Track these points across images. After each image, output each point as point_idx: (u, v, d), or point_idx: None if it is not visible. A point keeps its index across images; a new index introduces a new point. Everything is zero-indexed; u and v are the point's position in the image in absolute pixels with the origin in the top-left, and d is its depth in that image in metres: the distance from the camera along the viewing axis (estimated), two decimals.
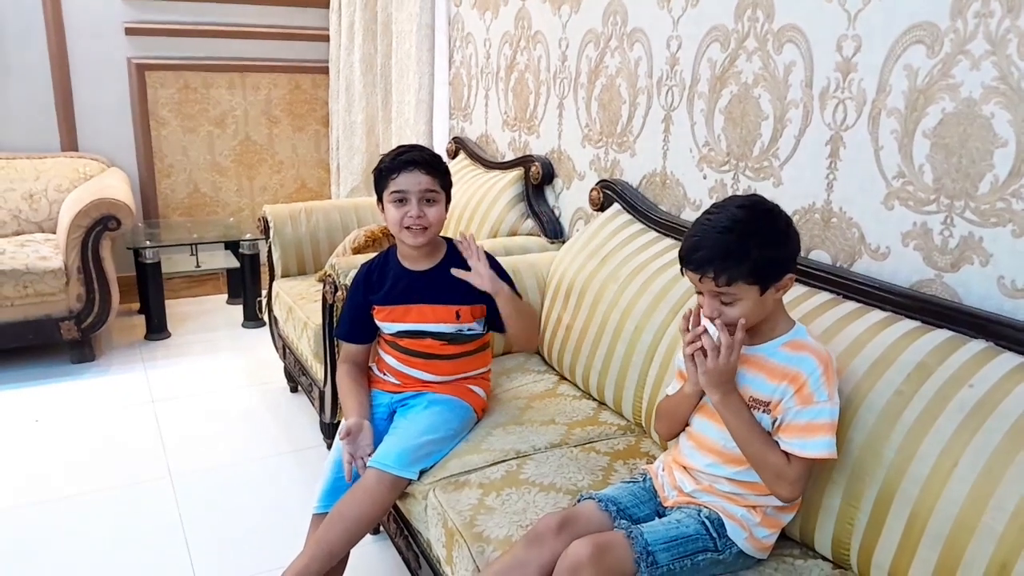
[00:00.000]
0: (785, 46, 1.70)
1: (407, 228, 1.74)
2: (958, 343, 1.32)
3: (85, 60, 3.76)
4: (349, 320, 1.90)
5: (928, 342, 1.34)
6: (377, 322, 1.83)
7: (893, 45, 1.48)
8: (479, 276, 1.69)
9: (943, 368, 1.29)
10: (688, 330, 1.33)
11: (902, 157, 1.49)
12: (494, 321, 1.81)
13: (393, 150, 1.81)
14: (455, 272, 1.71)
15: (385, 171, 1.76)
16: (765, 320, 1.33)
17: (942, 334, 1.36)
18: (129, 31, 3.81)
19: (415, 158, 1.75)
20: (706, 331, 1.30)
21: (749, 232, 1.26)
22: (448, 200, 1.81)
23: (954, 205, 1.42)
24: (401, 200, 1.74)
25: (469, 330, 1.80)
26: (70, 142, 3.79)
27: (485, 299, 1.78)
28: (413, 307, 1.78)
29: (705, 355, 1.29)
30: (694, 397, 1.38)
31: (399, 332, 1.81)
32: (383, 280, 1.83)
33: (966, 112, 1.38)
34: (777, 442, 1.30)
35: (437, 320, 1.77)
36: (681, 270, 1.33)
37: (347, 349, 1.90)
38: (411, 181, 1.73)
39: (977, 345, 1.31)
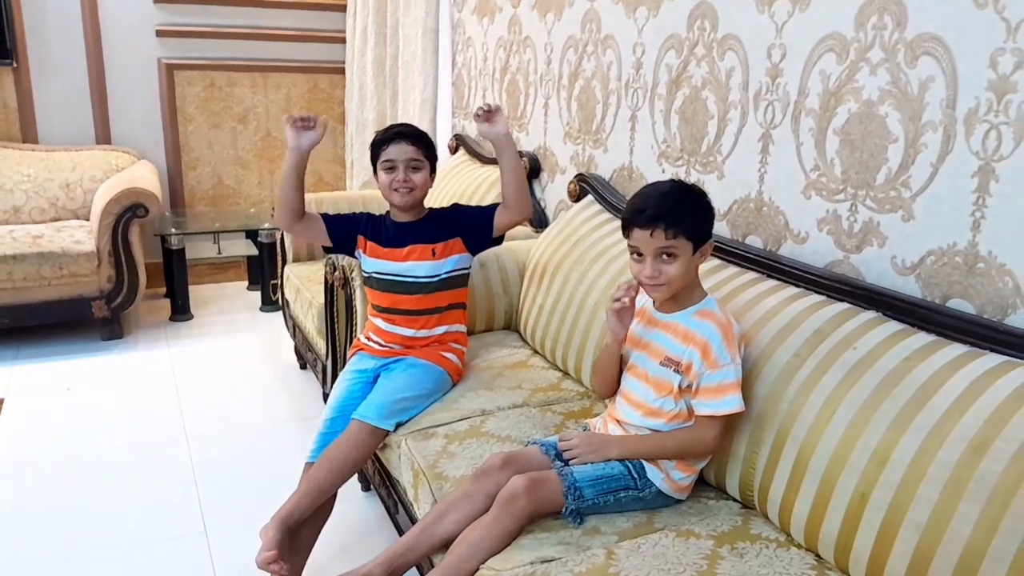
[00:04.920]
0: (727, 53, 1.91)
1: (395, 190, 2.02)
2: (852, 313, 1.53)
3: (119, 60, 4.06)
4: (339, 216, 2.16)
5: (828, 312, 1.55)
6: (362, 257, 2.11)
7: (810, 53, 1.69)
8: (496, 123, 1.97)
9: (835, 334, 1.49)
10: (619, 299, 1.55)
11: (817, 152, 1.70)
12: (477, 240, 2.11)
13: (385, 127, 2.11)
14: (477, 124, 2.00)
15: (378, 143, 2.07)
16: (684, 290, 1.54)
17: (841, 306, 1.56)
18: (160, 33, 4.10)
19: (402, 131, 2.06)
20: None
21: (684, 197, 1.50)
22: (433, 170, 2.09)
23: (858, 194, 1.62)
24: (391, 167, 2.02)
25: (446, 275, 2.06)
26: (104, 136, 4.09)
27: (459, 233, 2.08)
28: (396, 250, 2.06)
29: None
30: (614, 346, 1.62)
31: (384, 279, 2.05)
32: (378, 229, 2.11)
33: (867, 112, 1.58)
34: (686, 413, 1.54)
35: (417, 258, 2.04)
36: (626, 234, 1.52)
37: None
38: (399, 151, 2.02)
39: (868, 315, 1.51)
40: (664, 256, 1.48)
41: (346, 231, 2.12)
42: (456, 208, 2.21)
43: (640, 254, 1.51)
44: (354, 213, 2.19)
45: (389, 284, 2.07)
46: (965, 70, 1.39)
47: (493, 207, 2.11)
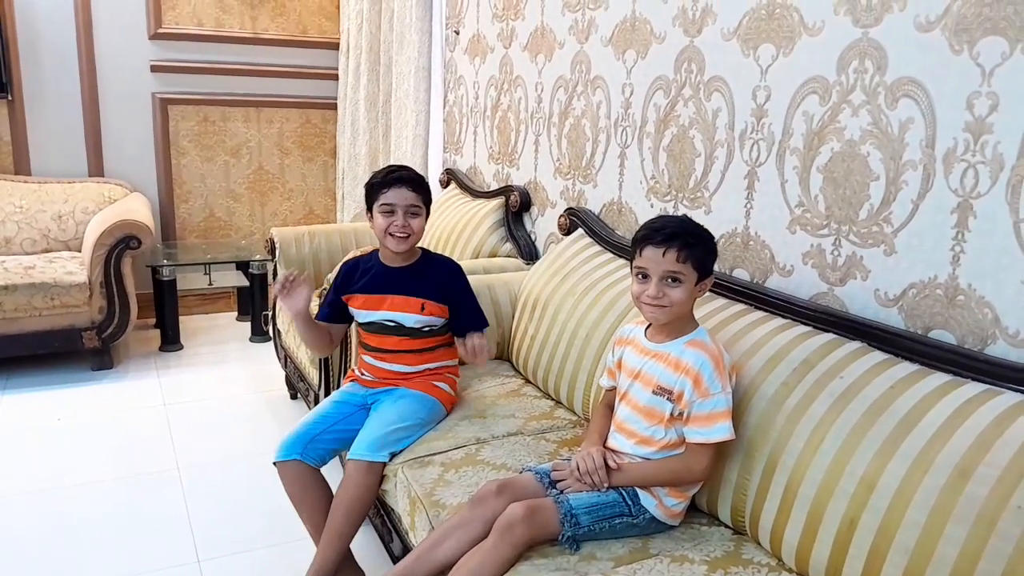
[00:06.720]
0: (713, 94, 1.99)
1: (392, 235, 2.02)
2: (838, 344, 1.58)
3: (114, 94, 4.11)
4: (328, 304, 2.16)
5: (814, 343, 1.60)
6: (354, 311, 2.10)
7: (794, 95, 1.76)
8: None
9: (822, 363, 1.54)
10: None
11: (802, 189, 1.76)
12: (454, 326, 2.10)
13: (383, 168, 2.11)
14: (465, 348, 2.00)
15: (376, 186, 2.05)
16: (677, 320, 1.59)
17: (827, 336, 1.61)
18: (154, 68, 4.16)
19: (403, 176, 2.04)
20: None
21: (697, 229, 1.57)
22: (428, 214, 2.10)
23: (841, 229, 1.69)
24: (389, 212, 2.02)
25: (431, 327, 2.07)
26: (97, 168, 4.12)
27: (447, 303, 2.07)
28: (386, 297, 2.06)
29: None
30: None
31: (372, 323, 2.07)
32: (365, 275, 2.11)
33: (849, 151, 1.65)
34: (676, 440, 1.58)
35: (406, 310, 2.04)
36: (638, 252, 1.55)
37: None
38: (399, 196, 2.01)
39: (853, 345, 1.56)
40: (669, 280, 1.53)
41: (342, 307, 2.12)
42: (458, 286, 2.12)
43: (646, 275, 1.55)
44: (334, 287, 2.16)
45: (378, 327, 2.08)
46: (943, 112, 1.47)
47: (475, 324, 2.07)
